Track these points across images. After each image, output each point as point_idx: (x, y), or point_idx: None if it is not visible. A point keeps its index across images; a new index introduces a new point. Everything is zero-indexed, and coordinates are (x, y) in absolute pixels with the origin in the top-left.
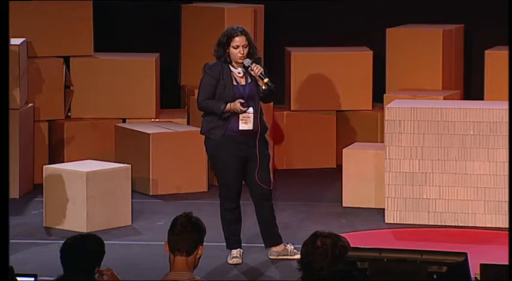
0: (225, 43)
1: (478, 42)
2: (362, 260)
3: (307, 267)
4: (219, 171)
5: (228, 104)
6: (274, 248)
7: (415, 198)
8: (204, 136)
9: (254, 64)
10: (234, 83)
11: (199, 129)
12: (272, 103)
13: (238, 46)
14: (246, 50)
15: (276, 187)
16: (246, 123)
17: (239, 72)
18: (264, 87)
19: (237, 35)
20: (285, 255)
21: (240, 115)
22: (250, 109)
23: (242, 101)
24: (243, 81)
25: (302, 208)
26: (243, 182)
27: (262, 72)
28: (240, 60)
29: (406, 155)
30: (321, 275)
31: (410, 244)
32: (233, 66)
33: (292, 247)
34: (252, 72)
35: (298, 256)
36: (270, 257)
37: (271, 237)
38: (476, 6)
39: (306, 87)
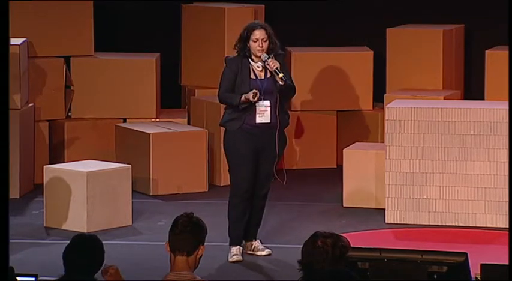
0: (245, 37)
1: (478, 42)
2: (362, 260)
3: (308, 267)
4: (233, 164)
5: (244, 95)
6: (247, 243)
7: (415, 198)
8: (224, 129)
9: (271, 59)
10: (252, 76)
11: (219, 123)
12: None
13: (257, 39)
14: (265, 44)
15: (276, 187)
16: (262, 116)
17: (258, 67)
18: (280, 82)
19: (256, 29)
20: (253, 251)
21: (257, 108)
22: (267, 102)
23: (256, 91)
24: (262, 76)
25: (302, 208)
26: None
27: (278, 68)
28: (259, 54)
29: (406, 155)
30: (322, 275)
31: (411, 244)
32: (253, 60)
33: (258, 243)
34: (268, 67)
35: (260, 253)
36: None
37: (252, 232)
38: (476, 6)
39: (306, 87)
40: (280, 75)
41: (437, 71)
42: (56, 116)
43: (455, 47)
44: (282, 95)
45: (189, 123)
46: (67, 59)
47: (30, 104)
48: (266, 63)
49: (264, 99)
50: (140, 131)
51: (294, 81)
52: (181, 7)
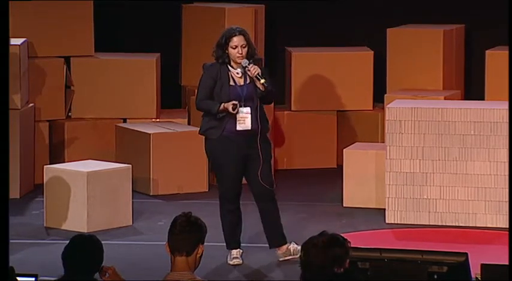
0: (223, 44)
1: (478, 42)
2: (363, 260)
3: (307, 266)
4: (218, 172)
5: (222, 105)
6: (278, 251)
7: (415, 198)
8: (204, 137)
9: (251, 65)
10: (232, 83)
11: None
12: (272, 104)
13: (236, 46)
14: (244, 50)
15: (276, 187)
16: (243, 124)
17: (237, 73)
18: (261, 88)
19: (235, 35)
20: (289, 255)
21: (237, 116)
22: (248, 109)
23: (236, 102)
24: (241, 82)
25: (302, 208)
26: (246, 182)
27: (259, 73)
28: (239, 60)
29: (406, 155)
30: (321, 274)
31: (411, 244)
32: (232, 67)
33: (296, 246)
34: (249, 73)
35: None
36: (279, 259)
37: (274, 238)
38: (476, 6)
39: (306, 87)
40: (262, 80)
41: (437, 71)
42: (56, 116)
43: (455, 47)
44: (262, 100)
45: (189, 124)
46: (67, 59)
47: (30, 104)
48: (247, 69)
49: (245, 106)
50: (140, 131)
51: (273, 85)
52: (181, 7)
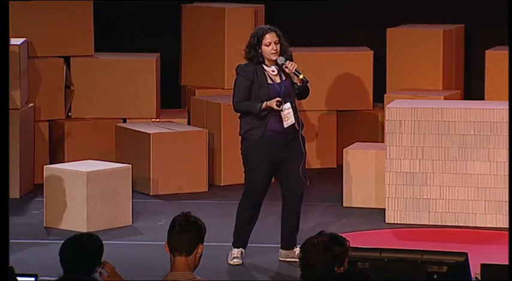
0: (256, 43)
1: (478, 42)
2: (362, 260)
3: (307, 266)
4: (249, 171)
5: (265, 103)
6: (283, 251)
7: (415, 198)
8: (240, 137)
9: (288, 61)
10: (269, 81)
11: (238, 130)
12: None
13: (270, 43)
14: (278, 46)
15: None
16: (289, 119)
17: (273, 71)
18: (299, 83)
19: (267, 33)
20: (292, 257)
21: (282, 113)
22: (288, 105)
23: (280, 99)
24: (278, 80)
25: (302, 207)
26: (277, 181)
27: (297, 69)
28: (274, 57)
29: (406, 155)
30: (321, 274)
31: (411, 244)
32: (266, 66)
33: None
34: (287, 70)
35: None
36: (279, 258)
37: (289, 240)
38: (476, 6)
39: None
40: (301, 76)
41: (437, 71)
42: (56, 116)
43: (455, 47)
44: (298, 95)
45: (189, 123)
46: (67, 59)
47: (30, 104)
48: (284, 65)
49: (285, 102)
50: (140, 131)
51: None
52: (181, 7)
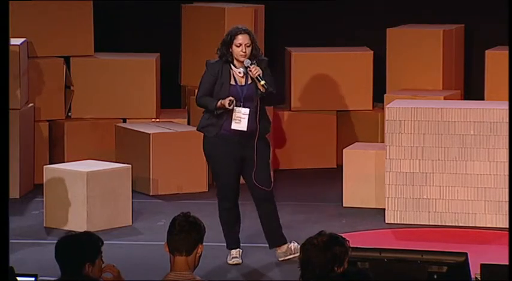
0: (228, 42)
1: (478, 42)
2: (362, 260)
3: (307, 266)
4: (215, 170)
5: (220, 101)
6: (278, 250)
7: (415, 198)
8: (203, 135)
9: (253, 66)
10: (232, 82)
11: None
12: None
13: (240, 44)
14: (248, 49)
15: (276, 187)
16: (238, 123)
17: (240, 72)
18: (261, 89)
19: (240, 33)
20: (291, 254)
21: (234, 114)
22: (246, 110)
23: (232, 98)
24: (242, 82)
25: (302, 208)
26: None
27: (260, 75)
28: (241, 59)
29: (406, 155)
30: (321, 274)
31: (411, 244)
32: (235, 66)
33: (296, 245)
34: (250, 74)
35: None
36: (279, 259)
37: (274, 238)
38: (476, 6)
39: (306, 87)
40: (262, 82)
41: (437, 71)
42: (56, 116)
43: (455, 47)
44: (262, 101)
45: (189, 124)
46: (67, 59)
47: (30, 104)
48: (248, 69)
49: (244, 106)
50: (140, 131)
51: (275, 87)
52: (181, 7)
